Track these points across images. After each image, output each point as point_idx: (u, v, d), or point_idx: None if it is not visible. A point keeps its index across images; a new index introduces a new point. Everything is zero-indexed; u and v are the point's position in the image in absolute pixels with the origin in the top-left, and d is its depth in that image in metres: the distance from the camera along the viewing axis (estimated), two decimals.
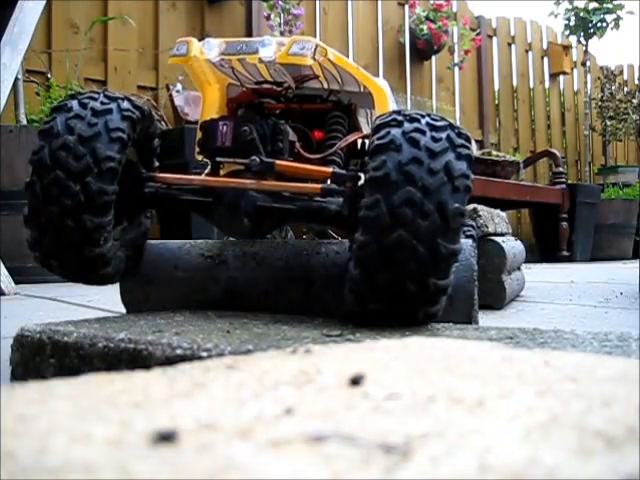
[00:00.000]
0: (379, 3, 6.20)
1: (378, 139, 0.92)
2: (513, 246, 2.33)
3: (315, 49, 1.08)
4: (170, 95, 4.38)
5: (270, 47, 1.10)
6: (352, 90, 1.27)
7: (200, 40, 1.19)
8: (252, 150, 1.11)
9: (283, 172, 1.13)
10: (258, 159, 1.09)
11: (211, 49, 1.15)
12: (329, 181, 1.14)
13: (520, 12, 11.16)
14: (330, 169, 1.12)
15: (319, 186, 1.07)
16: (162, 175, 1.15)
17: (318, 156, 1.20)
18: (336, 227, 1.23)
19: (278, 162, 1.10)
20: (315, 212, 1.07)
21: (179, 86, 4.33)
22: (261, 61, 1.12)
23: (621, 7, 7.21)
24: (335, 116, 1.26)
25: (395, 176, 0.88)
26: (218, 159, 1.16)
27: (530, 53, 7.66)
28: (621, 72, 8.41)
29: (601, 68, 8.29)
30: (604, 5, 7.20)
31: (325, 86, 1.26)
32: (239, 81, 1.26)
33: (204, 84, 1.31)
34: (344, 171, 1.13)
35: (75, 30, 4.25)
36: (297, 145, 1.20)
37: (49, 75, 3.84)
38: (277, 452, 0.31)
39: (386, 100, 1.25)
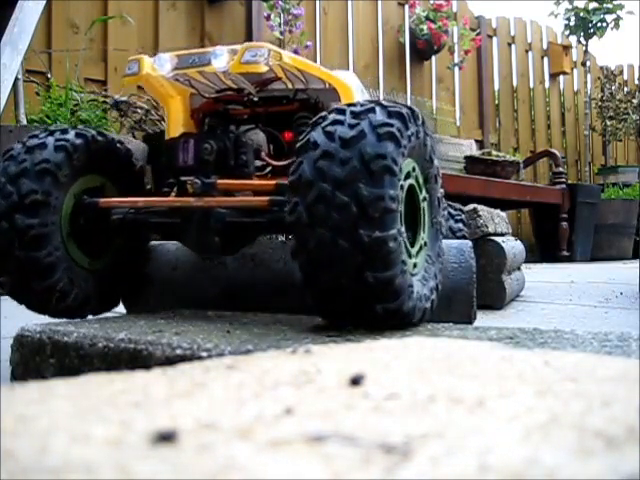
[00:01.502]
0: (379, 3, 6.20)
1: (299, 141, 0.91)
2: (513, 246, 2.33)
3: (268, 54, 1.06)
4: None
5: (222, 57, 1.09)
6: (318, 87, 1.24)
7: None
8: (215, 166, 1.09)
9: (226, 190, 1.11)
10: (199, 181, 1.08)
11: (163, 64, 1.14)
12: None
13: (520, 12, 11.16)
14: (273, 182, 1.08)
15: (266, 198, 1.04)
16: (105, 200, 1.14)
17: (285, 162, 1.16)
18: None
19: (219, 181, 1.09)
20: (277, 224, 1.04)
21: None
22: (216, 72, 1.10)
23: (621, 7, 7.21)
24: (302, 117, 1.23)
25: (308, 175, 0.87)
26: (183, 178, 1.13)
27: (530, 53, 7.65)
28: (621, 72, 8.41)
29: (601, 68, 8.29)
30: (604, 5, 7.20)
31: (290, 86, 1.23)
32: (198, 92, 1.24)
33: (165, 97, 1.28)
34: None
35: (75, 30, 4.25)
36: (263, 154, 1.17)
37: (49, 75, 3.84)
38: (277, 452, 0.31)
39: (351, 94, 1.21)
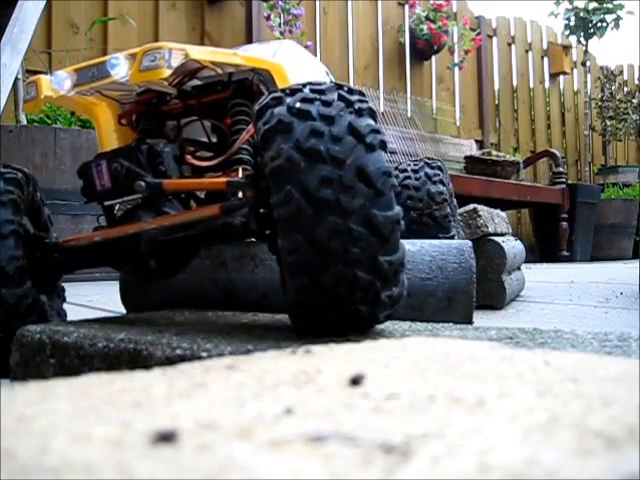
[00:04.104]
0: (379, 3, 6.20)
1: (264, 124, 0.80)
2: (513, 246, 2.33)
3: (169, 55, 0.95)
4: None
5: (120, 66, 0.99)
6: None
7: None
8: (135, 182, 1.01)
9: (174, 191, 1.05)
10: (143, 183, 1.00)
11: (62, 83, 1.05)
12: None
13: (520, 12, 11.17)
14: (224, 179, 0.99)
15: (217, 206, 0.96)
16: (67, 239, 1.10)
17: (213, 163, 1.09)
18: (249, 239, 1.09)
19: (166, 181, 1.01)
20: (221, 232, 0.98)
21: None
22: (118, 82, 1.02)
23: (621, 7, 7.22)
24: (236, 104, 1.12)
25: (298, 158, 0.76)
26: (106, 203, 1.07)
27: (530, 53, 7.66)
28: (621, 72, 8.41)
29: (601, 68, 8.29)
30: (604, 5, 7.21)
31: (220, 72, 1.12)
32: (115, 99, 1.16)
33: (90, 107, 1.18)
34: (240, 178, 1.00)
35: (75, 30, 4.25)
36: (189, 157, 1.09)
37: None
38: (277, 452, 0.31)
39: (285, 75, 1.12)
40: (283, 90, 0.84)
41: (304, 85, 0.84)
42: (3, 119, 2.99)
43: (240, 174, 1.05)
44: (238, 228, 0.96)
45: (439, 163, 1.81)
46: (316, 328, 0.82)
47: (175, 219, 1.00)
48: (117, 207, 1.09)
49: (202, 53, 1.04)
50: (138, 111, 1.17)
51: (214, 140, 1.17)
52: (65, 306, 1.24)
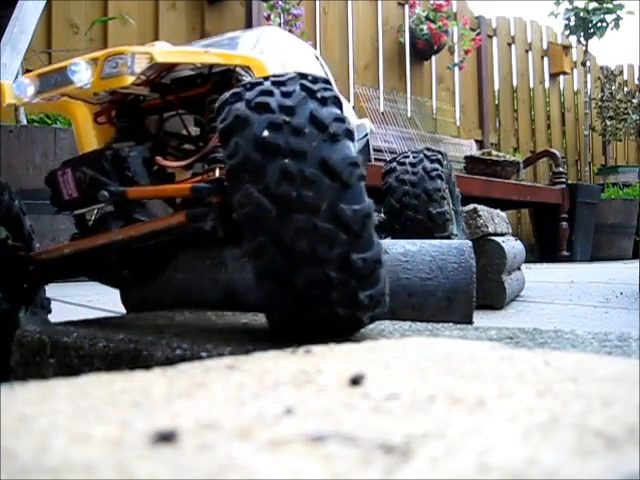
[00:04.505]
0: (379, 3, 6.20)
1: (221, 122, 0.76)
2: (513, 246, 2.33)
3: (132, 61, 0.91)
4: None
5: (81, 72, 0.95)
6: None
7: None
8: (100, 190, 0.98)
9: (139, 198, 1.01)
10: (106, 192, 0.96)
11: (25, 90, 1.01)
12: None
13: (520, 12, 11.16)
14: (188, 185, 0.95)
15: (183, 213, 0.92)
16: (39, 251, 1.08)
17: (185, 163, 1.06)
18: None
19: (130, 189, 0.98)
20: (193, 238, 0.94)
21: None
22: (82, 88, 0.97)
23: (621, 7, 7.22)
24: (215, 100, 1.03)
25: (256, 154, 0.72)
26: (76, 212, 1.04)
27: (530, 53, 7.66)
28: (621, 72, 8.41)
29: (601, 68, 8.30)
30: (604, 5, 7.21)
31: (198, 64, 1.08)
32: (87, 101, 1.13)
33: (66, 106, 1.14)
34: (204, 184, 0.95)
35: (75, 30, 4.25)
36: (159, 158, 1.06)
37: None
38: (277, 452, 0.31)
39: (264, 69, 1.08)
40: (244, 85, 0.79)
41: (266, 78, 0.79)
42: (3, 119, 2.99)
43: (217, 174, 1.01)
44: (209, 234, 0.92)
45: (439, 156, 1.80)
46: (295, 332, 0.78)
47: (142, 229, 0.96)
48: (96, 212, 1.07)
49: (170, 55, 1.00)
50: (115, 109, 1.14)
51: (197, 134, 1.15)
52: (65, 306, 1.24)
